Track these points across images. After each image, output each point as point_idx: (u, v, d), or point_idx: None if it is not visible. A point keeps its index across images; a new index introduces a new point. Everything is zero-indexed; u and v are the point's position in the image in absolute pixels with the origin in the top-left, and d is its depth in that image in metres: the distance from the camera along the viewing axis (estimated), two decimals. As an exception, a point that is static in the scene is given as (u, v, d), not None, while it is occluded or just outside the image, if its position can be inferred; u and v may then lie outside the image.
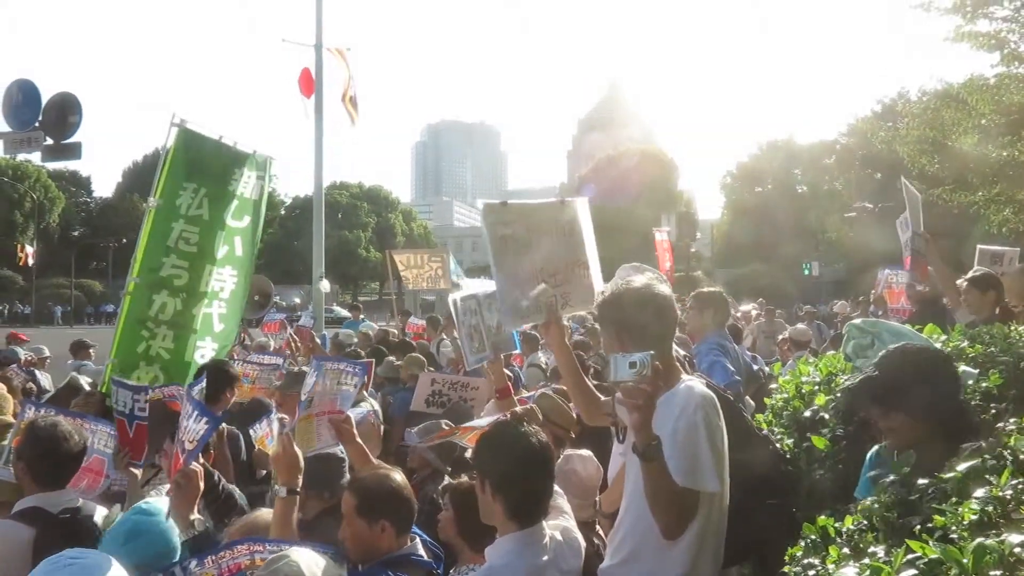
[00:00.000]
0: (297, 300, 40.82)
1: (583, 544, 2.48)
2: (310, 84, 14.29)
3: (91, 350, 9.66)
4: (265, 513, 2.81)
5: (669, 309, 2.42)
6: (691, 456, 2.16)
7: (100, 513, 3.25)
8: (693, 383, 2.37)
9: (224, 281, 5.08)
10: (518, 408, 3.53)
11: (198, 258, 4.83)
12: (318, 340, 9.79)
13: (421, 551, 2.58)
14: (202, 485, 2.76)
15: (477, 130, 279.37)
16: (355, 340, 9.82)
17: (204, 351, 4.98)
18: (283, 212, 68.24)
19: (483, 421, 3.27)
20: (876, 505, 1.49)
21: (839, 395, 2.48)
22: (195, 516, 2.66)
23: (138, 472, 3.48)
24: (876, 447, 2.36)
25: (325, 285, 15.00)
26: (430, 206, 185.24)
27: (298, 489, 2.60)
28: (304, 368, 6.09)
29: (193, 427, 2.85)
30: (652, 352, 1.98)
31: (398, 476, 2.63)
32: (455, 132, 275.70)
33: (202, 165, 4.87)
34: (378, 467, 2.78)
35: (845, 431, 2.60)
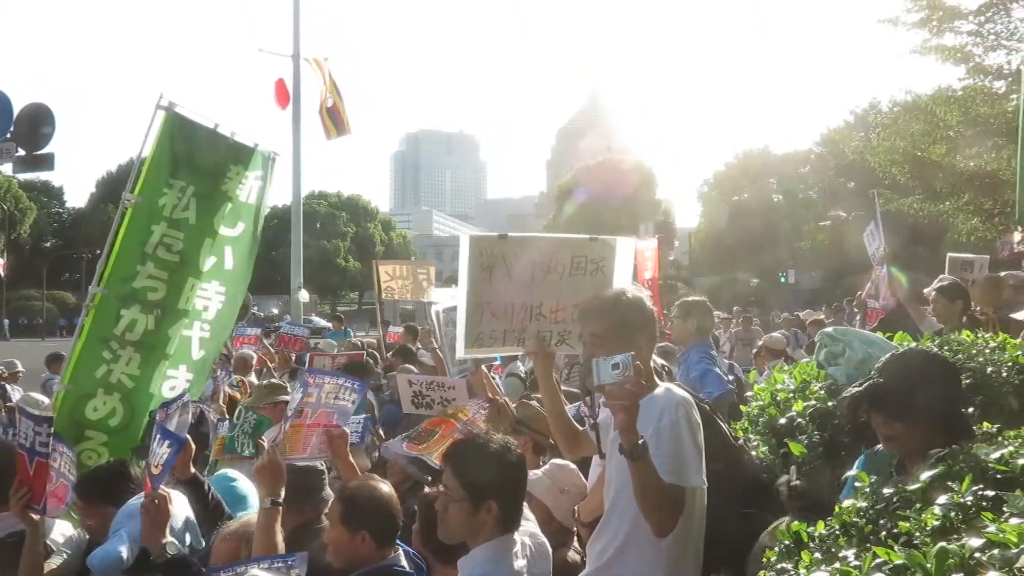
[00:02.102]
0: (275, 310, 40.39)
1: (550, 549, 2.51)
2: (285, 95, 14.20)
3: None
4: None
5: (653, 319, 2.56)
6: (676, 453, 2.23)
7: (60, 530, 3.18)
8: (671, 386, 2.47)
9: (209, 299, 4.31)
10: (503, 399, 3.55)
11: (179, 269, 4.10)
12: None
13: (403, 562, 2.60)
14: (172, 508, 2.69)
15: (456, 139, 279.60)
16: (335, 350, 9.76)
17: (176, 382, 4.17)
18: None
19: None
20: (847, 511, 1.54)
21: (841, 401, 2.52)
22: (167, 540, 2.61)
23: (37, 517, 2.90)
24: (866, 451, 2.40)
25: (304, 295, 14.89)
26: (409, 215, 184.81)
27: (281, 500, 2.60)
28: (275, 380, 6.05)
29: (158, 451, 2.77)
30: (632, 353, 2.04)
31: (386, 488, 2.66)
32: (434, 141, 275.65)
33: (192, 159, 4.13)
34: (368, 478, 2.79)
35: (821, 437, 2.66)
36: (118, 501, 2.93)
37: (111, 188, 65.03)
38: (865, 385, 2.12)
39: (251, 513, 2.99)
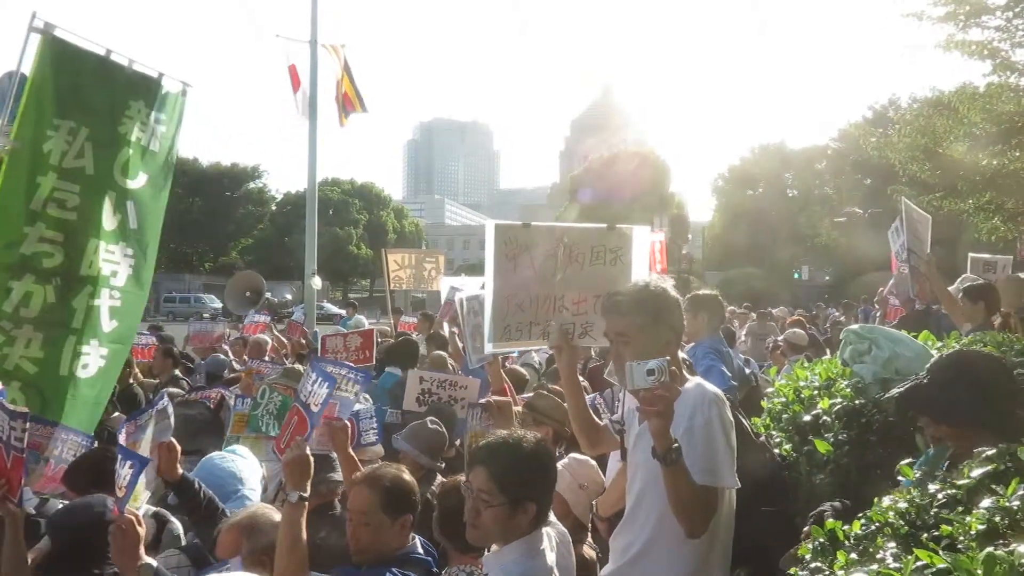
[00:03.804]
0: (289, 296, 40.58)
1: (570, 538, 2.49)
2: (297, 80, 14.18)
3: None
4: (264, 510, 2.78)
5: (679, 308, 2.43)
6: (709, 454, 2.17)
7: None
8: (702, 381, 2.38)
9: (117, 263, 3.61)
10: (493, 399, 3.51)
11: (79, 229, 3.41)
12: (310, 337, 9.80)
13: (420, 549, 2.64)
14: (142, 531, 2.54)
15: (470, 128, 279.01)
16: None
17: (89, 359, 3.54)
18: (274, 208, 67.85)
19: None
20: (886, 510, 1.50)
21: (889, 401, 2.46)
22: (143, 561, 2.50)
23: (16, 509, 2.82)
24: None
25: (317, 282, 14.91)
26: (422, 204, 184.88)
27: (308, 495, 2.56)
28: (296, 366, 6.08)
29: (121, 472, 2.62)
30: (668, 358, 1.99)
31: (408, 474, 2.72)
32: (448, 130, 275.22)
33: (81, 94, 3.42)
34: (387, 465, 2.81)
35: (848, 436, 2.62)
36: (109, 487, 2.77)
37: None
38: (909, 386, 2.08)
39: (256, 505, 2.97)
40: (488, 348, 3.23)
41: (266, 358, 7.55)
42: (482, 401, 3.73)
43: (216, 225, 64.62)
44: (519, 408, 3.72)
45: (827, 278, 42.04)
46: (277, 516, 2.63)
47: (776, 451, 2.92)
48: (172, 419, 3.01)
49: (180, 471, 2.95)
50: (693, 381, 2.36)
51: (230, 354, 8.40)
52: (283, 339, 9.38)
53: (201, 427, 3.98)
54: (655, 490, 2.19)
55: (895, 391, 2.17)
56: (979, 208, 16.19)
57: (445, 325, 8.39)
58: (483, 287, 3.38)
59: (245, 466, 3.37)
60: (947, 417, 1.97)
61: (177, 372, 7.28)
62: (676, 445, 2.00)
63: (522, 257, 3.05)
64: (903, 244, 6.22)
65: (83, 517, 2.73)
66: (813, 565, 1.53)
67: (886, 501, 1.52)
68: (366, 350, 6.72)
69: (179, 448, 2.95)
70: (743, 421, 2.94)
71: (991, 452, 1.43)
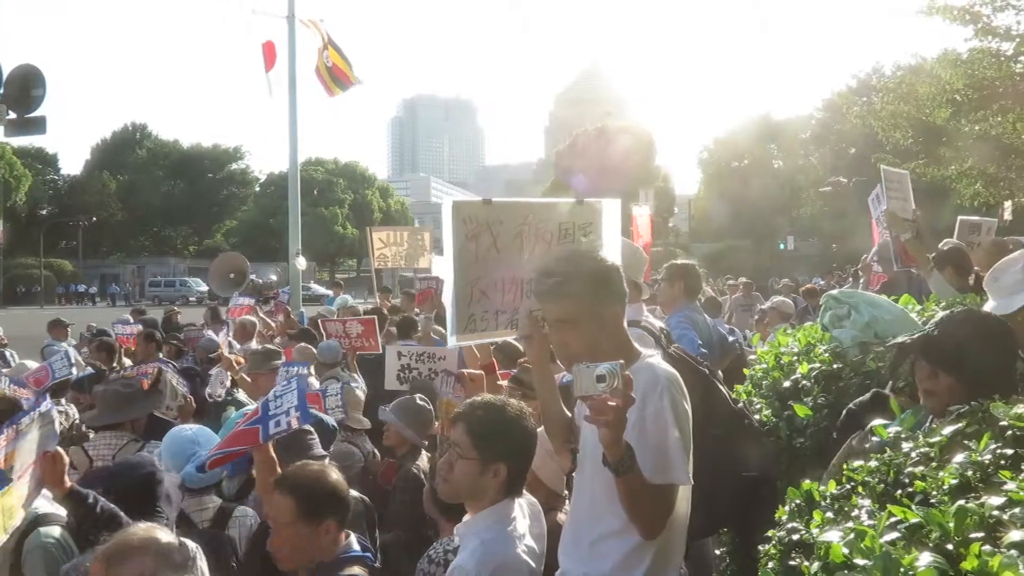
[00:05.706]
0: (273, 277, 40.15)
1: (540, 508, 2.44)
2: (272, 57, 13.85)
3: (68, 328, 9.70)
4: (141, 530, 2.13)
5: (618, 274, 2.14)
6: (661, 450, 1.95)
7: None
8: (654, 361, 2.12)
9: None
10: (466, 371, 3.44)
11: None
12: (294, 317, 9.78)
13: (356, 546, 2.41)
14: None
15: (453, 105, 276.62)
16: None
17: None
18: (258, 189, 67.16)
19: None
20: (859, 470, 1.52)
21: (888, 349, 2.41)
22: None
23: None
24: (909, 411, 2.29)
25: (301, 262, 14.83)
26: (407, 182, 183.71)
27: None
28: (270, 346, 6.04)
29: None
30: (622, 362, 1.76)
31: (334, 473, 2.46)
32: (431, 107, 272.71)
33: None
34: (307, 463, 2.56)
35: (827, 399, 2.64)
36: None
37: (106, 155, 64.58)
38: (917, 335, 2.07)
39: (135, 526, 2.26)
40: (452, 341, 3.00)
41: (253, 342, 7.52)
42: (457, 372, 3.70)
43: (199, 208, 63.95)
44: (504, 383, 3.71)
45: (834, 246, 41.82)
46: (161, 534, 2.06)
47: (756, 416, 2.93)
48: (56, 424, 2.64)
49: (68, 483, 2.55)
50: (644, 360, 2.10)
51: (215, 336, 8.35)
52: (269, 321, 9.36)
53: (109, 400, 3.86)
54: (609, 493, 1.95)
55: (898, 340, 2.15)
56: (961, 174, 16.30)
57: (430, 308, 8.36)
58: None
59: (203, 433, 3.43)
60: (949, 366, 1.95)
61: (161, 355, 7.23)
62: (628, 455, 1.80)
63: (483, 237, 2.81)
64: (884, 212, 6.24)
65: (143, 469, 2.83)
66: (790, 525, 1.55)
67: (857, 463, 1.53)
68: (370, 337, 6.56)
69: (66, 459, 2.58)
70: (721, 389, 2.92)
71: (963, 409, 1.45)
